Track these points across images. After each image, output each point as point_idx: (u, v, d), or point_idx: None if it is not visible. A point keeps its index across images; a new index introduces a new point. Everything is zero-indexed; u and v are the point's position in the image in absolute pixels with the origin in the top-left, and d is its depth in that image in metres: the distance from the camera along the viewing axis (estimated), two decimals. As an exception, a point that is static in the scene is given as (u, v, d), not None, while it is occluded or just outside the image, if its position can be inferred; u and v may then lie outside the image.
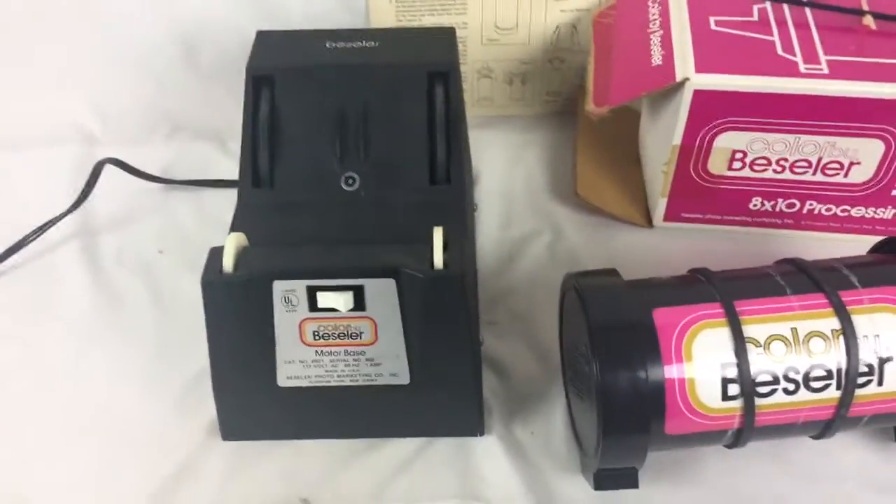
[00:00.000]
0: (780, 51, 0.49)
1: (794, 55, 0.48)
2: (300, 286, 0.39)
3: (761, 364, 0.38)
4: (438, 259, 0.39)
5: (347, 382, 0.42)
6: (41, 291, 0.53)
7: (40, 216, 0.56)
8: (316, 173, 0.46)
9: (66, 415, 0.47)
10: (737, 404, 0.39)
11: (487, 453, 0.45)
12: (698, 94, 0.48)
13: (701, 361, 0.38)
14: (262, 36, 0.50)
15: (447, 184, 0.46)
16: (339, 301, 0.39)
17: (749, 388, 0.38)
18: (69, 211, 0.56)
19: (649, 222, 0.56)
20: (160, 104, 0.65)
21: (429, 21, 0.59)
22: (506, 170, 0.61)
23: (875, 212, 0.52)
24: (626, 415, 0.38)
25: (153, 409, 0.47)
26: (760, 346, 0.39)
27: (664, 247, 0.55)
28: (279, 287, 0.39)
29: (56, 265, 0.55)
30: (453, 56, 0.48)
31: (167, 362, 0.49)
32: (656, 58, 0.50)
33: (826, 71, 0.47)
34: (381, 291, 0.39)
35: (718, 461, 0.44)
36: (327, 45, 0.49)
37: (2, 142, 0.63)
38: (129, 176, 0.59)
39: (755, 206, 0.54)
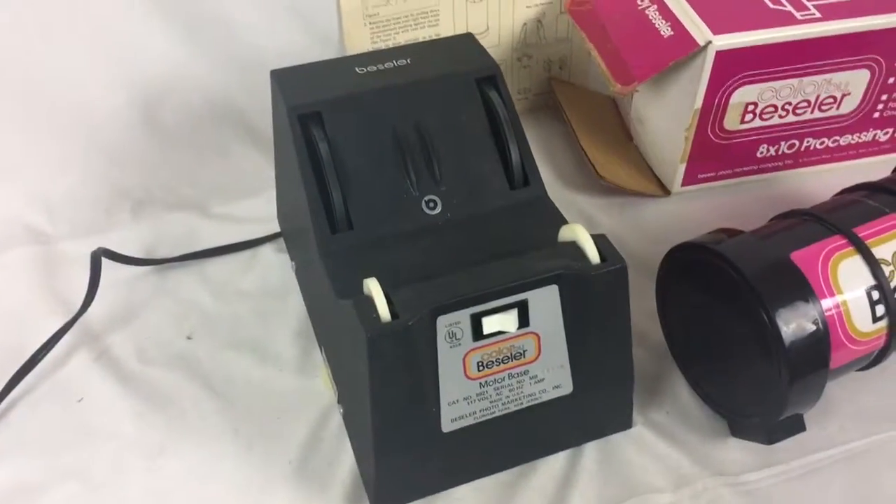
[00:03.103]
0: (770, 4, 0.52)
1: (784, 5, 0.52)
2: (464, 316, 0.36)
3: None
4: (594, 254, 0.38)
5: (512, 409, 0.39)
6: (72, 417, 0.45)
7: (20, 333, 0.47)
8: (393, 205, 0.43)
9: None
10: (883, 324, 0.41)
11: (639, 444, 0.44)
12: (720, 56, 0.50)
13: (849, 290, 0.40)
14: (280, 74, 0.46)
15: (527, 185, 0.45)
16: (507, 322, 0.36)
17: (893, 304, 0.40)
18: (77, 317, 0.48)
19: (666, 191, 0.58)
20: (116, 181, 0.57)
21: (403, 38, 0.57)
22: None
23: (860, 136, 0.57)
24: (808, 357, 0.39)
25: (274, 506, 0.41)
26: (890, 263, 0.41)
27: (688, 210, 0.57)
28: (443, 322, 0.36)
29: (73, 382, 0.47)
30: (491, 59, 0.46)
31: (260, 454, 0.43)
32: (664, 30, 0.52)
33: (818, 14, 0.51)
34: (544, 302, 0.37)
35: (840, 386, 0.45)
36: (358, 70, 0.45)
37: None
38: (113, 266, 0.51)
39: (762, 153, 0.57)
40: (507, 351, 0.38)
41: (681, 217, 0.57)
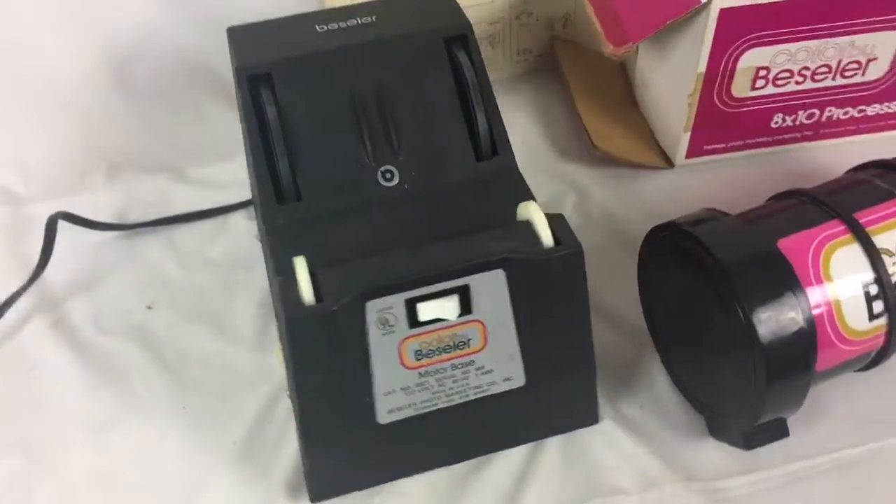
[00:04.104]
0: (785, -45, 0.47)
1: (802, -43, 0.46)
2: (397, 301, 0.33)
3: (899, 273, 0.36)
4: (547, 236, 0.34)
5: (457, 401, 0.36)
6: (20, 386, 0.44)
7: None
8: (346, 175, 0.40)
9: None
10: (881, 322, 0.36)
11: (607, 441, 0.40)
12: (724, 14, 0.45)
13: (842, 284, 0.36)
14: (235, 32, 0.43)
15: (495, 156, 0.41)
16: (447, 309, 0.33)
17: (894, 301, 0.36)
18: (30, 282, 0.46)
19: (669, 163, 0.53)
20: (91, 143, 0.55)
21: (389, -8, 0.53)
22: (500, 140, 0.56)
23: (890, 106, 0.52)
24: (786, 357, 0.34)
25: (212, 490, 0.39)
26: (893, 254, 0.36)
27: (692, 184, 0.52)
28: (373, 308, 0.33)
29: (26, 350, 0.45)
30: (464, 17, 0.42)
31: (205, 433, 0.41)
32: (664, -16, 0.47)
33: (840, -33, 0.46)
34: (490, 288, 0.34)
35: (839, 387, 0.41)
36: (318, 28, 0.42)
37: None
38: (77, 230, 0.50)
39: (776, 123, 0.51)
40: (448, 340, 0.34)
41: (683, 192, 0.52)
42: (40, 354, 0.45)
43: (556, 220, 0.35)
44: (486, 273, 0.33)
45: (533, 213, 0.35)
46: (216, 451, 0.41)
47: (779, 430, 0.38)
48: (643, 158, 0.53)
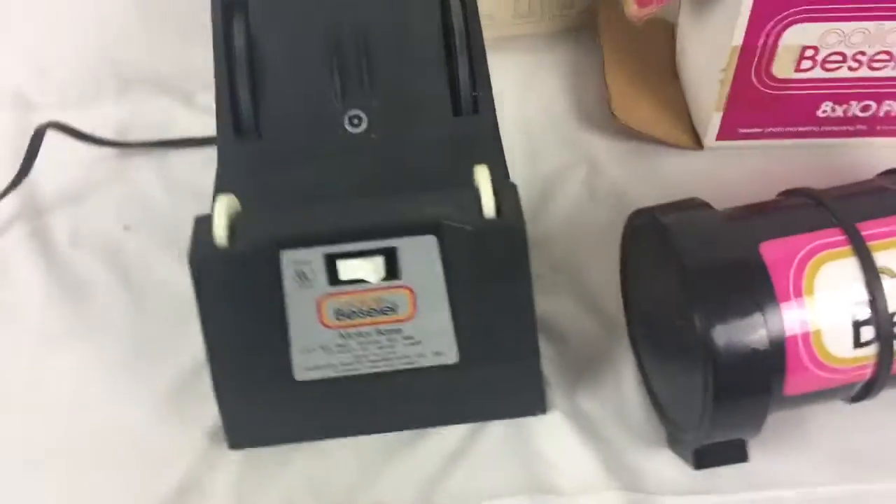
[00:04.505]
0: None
1: (869, -80, 0.40)
2: (315, 255, 0.31)
3: (899, 299, 0.31)
4: (489, 206, 0.31)
5: (382, 368, 0.34)
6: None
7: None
8: (312, 115, 0.37)
9: (29, 435, 0.38)
10: (871, 351, 0.31)
11: (553, 434, 0.37)
12: (765, -20, 0.39)
13: (827, 302, 0.31)
14: (222, -50, 0.40)
15: (475, 114, 0.38)
16: (368, 270, 0.31)
17: (887, 328, 0.31)
18: (9, 189, 0.46)
19: (699, 144, 0.48)
20: (107, 55, 0.54)
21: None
22: (521, 98, 0.52)
23: (963, 107, 0.45)
24: (740, 377, 0.30)
25: (138, 419, 0.39)
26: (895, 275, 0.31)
27: (721, 171, 0.47)
28: (289, 258, 0.31)
29: (0, 255, 0.46)
30: (464, -46, 0.39)
31: (149, 361, 0.41)
32: (705, -59, 0.42)
33: (913, -64, 0.39)
34: (420, 253, 0.31)
35: (832, 416, 0.36)
36: (306, -47, 0.39)
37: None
38: (78, 143, 0.49)
39: (824, 112, 0.46)
40: (372, 303, 0.32)
41: (708, 177, 0.47)
42: (10, 262, 0.45)
43: (505, 191, 0.31)
44: (417, 238, 0.31)
45: (481, 178, 0.31)
46: (150, 386, 0.40)
47: (735, 454, 0.34)
48: (668, 135, 0.48)
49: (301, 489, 0.36)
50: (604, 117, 0.50)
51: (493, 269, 0.31)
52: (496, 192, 0.31)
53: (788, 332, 0.31)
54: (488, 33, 0.55)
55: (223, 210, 0.31)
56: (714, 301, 0.30)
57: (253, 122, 0.37)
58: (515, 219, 0.30)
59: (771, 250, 0.31)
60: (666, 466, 0.36)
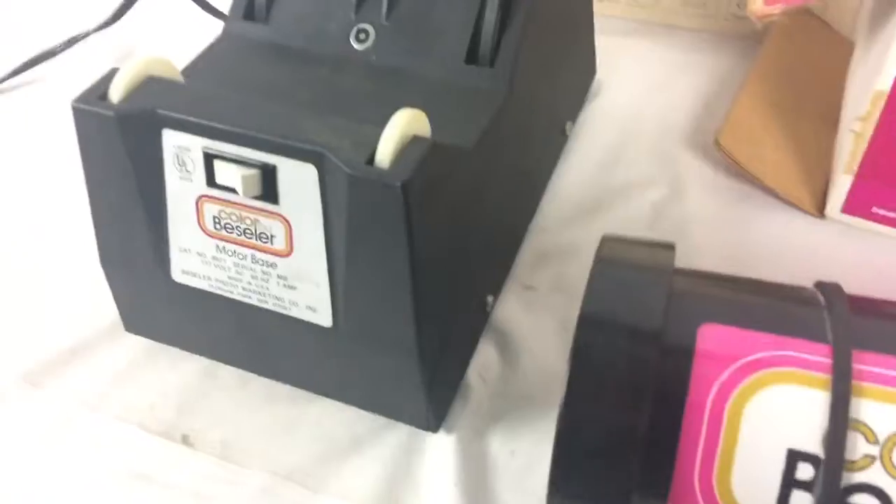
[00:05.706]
0: None
1: None
2: (195, 145, 0.27)
3: (871, 475, 0.21)
4: (385, 152, 0.25)
5: (254, 301, 0.30)
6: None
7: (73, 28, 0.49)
8: (322, 18, 0.34)
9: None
10: (801, 530, 0.22)
11: (436, 460, 0.31)
12: (934, 7, 0.28)
13: (755, 436, 0.22)
14: None
15: (489, 67, 0.32)
16: (238, 178, 0.27)
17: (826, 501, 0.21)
18: (104, 25, 0.48)
19: (820, 210, 0.37)
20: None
21: None
22: (640, 94, 0.45)
23: None
24: (591, 480, 0.22)
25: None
26: (876, 442, 0.21)
27: (830, 250, 0.36)
28: (170, 140, 0.27)
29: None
30: None
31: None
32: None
33: None
34: (299, 182, 0.26)
35: None
36: None
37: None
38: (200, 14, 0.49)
39: None
40: (249, 222, 0.28)
41: (811, 251, 0.36)
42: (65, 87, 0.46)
43: (414, 143, 0.25)
44: (296, 163, 0.26)
45: (394, 121, 0.26)
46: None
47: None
48: (782, 186, 0.38)
49: (168, 396, 0.33)
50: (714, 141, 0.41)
51: (371, 229, 0.26)
52: (408, 143, 0.25)
53: (684, 450, 0.22)
54: (643, 15, 0.48)
55: (135, 69, 0.28)
56: (593, 377, 0.22)
57: (265, 8, 0.34)
58: (400, 175, 0.24)
59: (712, 336, 0.22)
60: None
